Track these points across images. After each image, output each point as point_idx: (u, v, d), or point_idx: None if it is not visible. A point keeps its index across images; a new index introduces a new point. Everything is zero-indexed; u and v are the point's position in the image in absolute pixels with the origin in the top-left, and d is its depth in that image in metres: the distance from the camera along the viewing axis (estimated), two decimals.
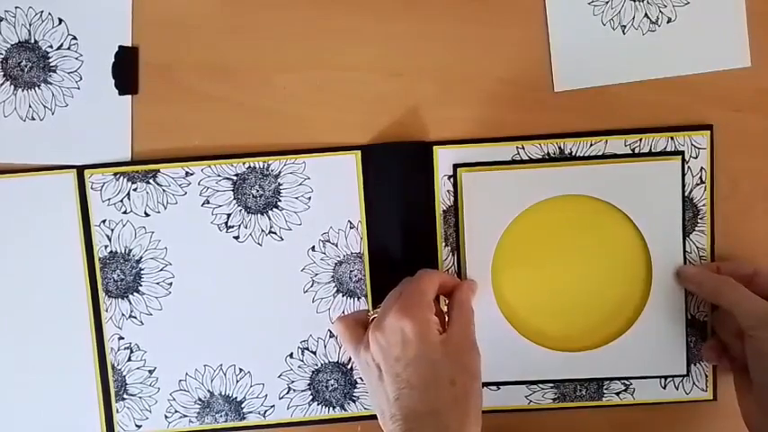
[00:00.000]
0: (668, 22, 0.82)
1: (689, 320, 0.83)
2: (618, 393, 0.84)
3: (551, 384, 0.84)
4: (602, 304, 0.83)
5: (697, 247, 0.82)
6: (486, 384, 0.84)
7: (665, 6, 0.82)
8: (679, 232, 0.82)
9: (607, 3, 0.82)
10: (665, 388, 0.84)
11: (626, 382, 0.84)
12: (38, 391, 0.84)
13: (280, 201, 0.82)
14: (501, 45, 0.83)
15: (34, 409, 0.84)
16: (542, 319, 0.83)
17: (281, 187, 0.82)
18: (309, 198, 0.82)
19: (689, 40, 0.82)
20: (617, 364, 0.83)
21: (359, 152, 0.82)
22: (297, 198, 0.82)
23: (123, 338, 0.83)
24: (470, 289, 0.80)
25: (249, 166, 0.82)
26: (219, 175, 0.82)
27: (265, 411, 0.84)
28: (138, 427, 0.84)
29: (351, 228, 0.82)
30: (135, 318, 0.83)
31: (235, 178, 0.82)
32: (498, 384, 0.84)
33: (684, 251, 0.82)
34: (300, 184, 0.82)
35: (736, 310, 0.74)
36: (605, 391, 0.84)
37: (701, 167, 0.82)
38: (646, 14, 0.82)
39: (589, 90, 0.83)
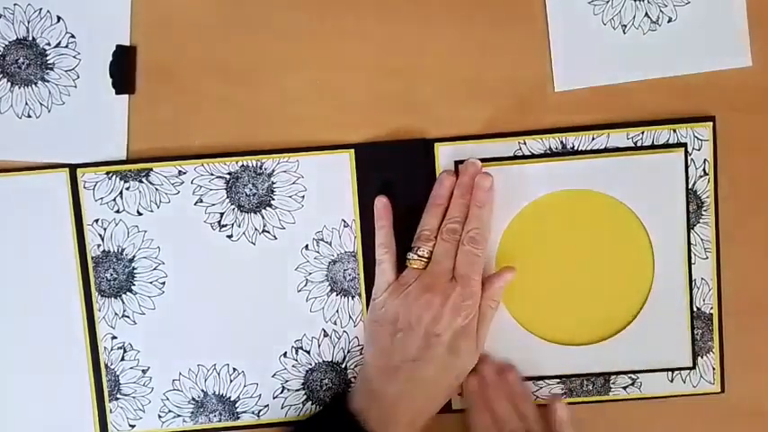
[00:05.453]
0: (669, 22, 0.82)
1: (694, 313, 0.83)
2: (625, 388, 0.84)
3: (558, 380, 0.84)
4: (607, 298, 0.83)
5: (702, 239, 0.82)
6: None
7: (666, 6, 0.82)
8: (683, 225, 0.82)
9: (607, 2, 0.82)
10: (672, 381, 0.84)
11: (633, 376, 0.84)
12: (31, 390, 0.84)
13: (273, 199, 0.82)
14: (501, 45, 0.82)
15: (27, 408, 0.84)
16: (547, 314, 0.83)
17: (274, 186, 0.82)
18: (303, 197, 0.82)
19: (689, 40, 0.82)
20: (623, 358, 0.83)
21: (352, 151, 0.82)
22: (290, 197, 0.82)
23: (116, 338, 0.83)
24: (506, 282, 0.81)
25: (242, 165, 0.82)
26: (212, 174, 0.82)
27: (259, 411, 0.84)
28: (132, 426, 0.84)
29: (345, 226, 0.82)
30: (128, 317, 0.83)
31: (228, 177, 0.82)
32: None
33: (689, 243, 0.82)
34: (294, 183, 0.82)
35: None
36: (612, 386, 0.84)
37: (705, 159, 0.82)
38: (646, 14, 0.82)
39: (589, 90, 0.82)
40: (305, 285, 0.83)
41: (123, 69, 0.82)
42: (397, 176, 0.82)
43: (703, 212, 0.82)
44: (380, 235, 0.80)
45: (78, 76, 0.83)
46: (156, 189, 0.82)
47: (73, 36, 0.83)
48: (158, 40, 0.83)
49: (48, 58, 0.83)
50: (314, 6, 0.82)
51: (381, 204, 0.80)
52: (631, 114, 0.82)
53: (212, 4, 0.82)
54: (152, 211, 0.82)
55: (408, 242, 0.80)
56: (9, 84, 0.83)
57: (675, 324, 0.83)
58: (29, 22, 0.82)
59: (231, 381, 0.83)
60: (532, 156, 0.82)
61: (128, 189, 0.82)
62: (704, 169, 0.82)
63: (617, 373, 0.84)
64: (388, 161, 0.82)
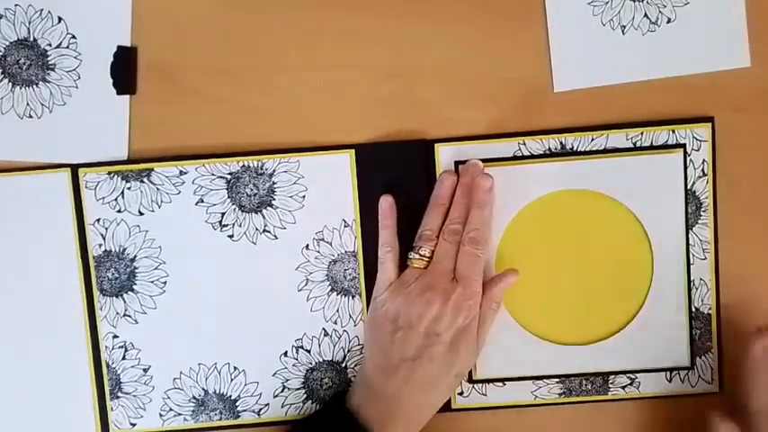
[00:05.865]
0: (668, 23, 0.82)
1: (693, 313, 0.83)
2: (623, 387, 0.84)
3: (557, 379, 0.84)
4: (606, 298, 0.83)
5: (700, 240, 0.83)
6: (491, 381, 0.84)
7: (665, 6, 0.82)
8: (682, 225, 0.82)
9: (607, 3, 0.82)
10: (670, 381, 0.84)
11: (631, 376, 0.84)
12: (32, 389, 0.84)
13: (274, 199, 0.82)
14: (501, 45, 0.82)
15: (29, 407, 0.84)
16: (545, 313, 0.83)
17: (275, 186, 0.82)
18: (304, 197, 0.82)
19: (688, 41, 0.82)
20: (621, 358, 0.83)
21: (353, 151, 0.82)
22: (291, 197, 0.82)
23: (118, 337, 0.83)
24: (508, 285, 0.81)
25: (243, 165, 0.82)
26: (213, 174, 0.82)
27: (260, 410, 0.84)
28: (133, 425, 0.84)
29: (345, 226, 0.82)
30: (129, 316, 0.83)
31: (229, 177, 0.82)
32: (504, 380, 0.84)
33: (688, 244, 0.82)
34: (294, 183, 0.82)
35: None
36: (611, 386, 0.84)
37: (703, 160, 0.82)
38: (645, 14, 0.82)
39: (589, 90, 0.82)
40: (305, 285, 0.83)
41: (124, 70, 0.83)
42: (397, 177, 0.82)
43: (702, 213, 0.82)
44: (384, 234, 0.80)
45: (79, 77, 0.83)
46: (158, 189, 0.82)
47: (74, 37, 0.83)
48: (159, 40, 0.83)
49: (49, 58, 0.83)
50: (314, 6, 0.82)
51: (387, 204, 0.80)
52: (630, 115, 0.82)
53: (213, 5, 0.83)
54: (153, 210, 0.82)
55: (409, 242, 0.80)
56: (10, 84, 0.83)
57: (674, 324, 0.83)
58: (30, 23, 0.82)
59: (232, 379, 0.84)
60: (532, 156, 0.82)
61: (129, 189, 0.82)
62: (703, 170, 0.82)
63: (616, 373, 0.84)
64: (388, 162, 0.82)
